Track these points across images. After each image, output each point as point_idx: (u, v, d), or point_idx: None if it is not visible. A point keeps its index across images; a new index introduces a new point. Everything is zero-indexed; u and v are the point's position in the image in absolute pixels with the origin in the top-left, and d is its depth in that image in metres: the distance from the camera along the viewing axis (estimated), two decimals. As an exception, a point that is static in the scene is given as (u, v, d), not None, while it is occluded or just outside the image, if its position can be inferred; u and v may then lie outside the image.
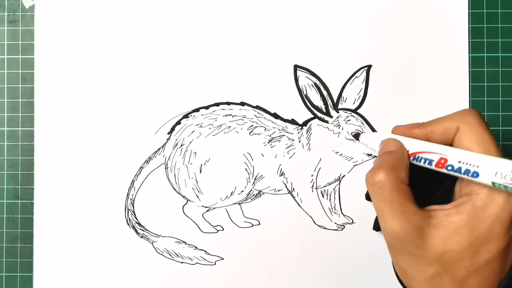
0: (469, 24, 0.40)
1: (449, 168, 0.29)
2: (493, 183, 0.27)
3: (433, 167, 0.30)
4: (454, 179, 0.31)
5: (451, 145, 0.31)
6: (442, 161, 0.30)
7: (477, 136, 0.29)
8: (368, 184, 0.31)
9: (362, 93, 0.39)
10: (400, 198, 0.29)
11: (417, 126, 0.32)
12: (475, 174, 0.28)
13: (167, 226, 0.40)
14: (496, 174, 0.27)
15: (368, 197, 0.37)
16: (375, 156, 0.39)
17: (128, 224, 0.40)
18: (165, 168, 0.40)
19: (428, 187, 0.33)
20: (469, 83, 0.40)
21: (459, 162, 0.29)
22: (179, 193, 0.40)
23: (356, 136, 0.39)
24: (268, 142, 0.40)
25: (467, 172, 0.28)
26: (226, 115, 0.40)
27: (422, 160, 0.31)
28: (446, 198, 0.31)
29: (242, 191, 0.40)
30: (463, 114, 0.30)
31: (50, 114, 0.40)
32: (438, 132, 0.31)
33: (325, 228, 0.40)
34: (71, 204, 0.40)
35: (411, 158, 0.32)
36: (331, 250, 0.39)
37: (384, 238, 0.30)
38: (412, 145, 0.32)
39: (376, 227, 0.38)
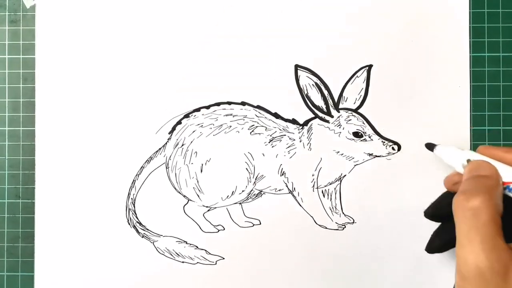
0: (470, 23, 0.40)
1: None
2: None
3: None
4: None
5: None
6: None
7: None
8: (459, 208, 0.28)
9: (363, 93, 0.39)
10: (494, 231, 0.27)
11: (510, 151, 0.30)
12: None
13: (168, 226, 0.40)
14: None
15: (431, 215, 0.34)
16: (376, 156, 0.39)
17: (129, 224, 0.40)
18: (166, 168, 0.40)
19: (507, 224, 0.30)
20: (470, 82, 0.40)
21: None
22: (180, 193, 0.40)
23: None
24: (269, 142, 0.40)
25: None
26: (227, 115, 0.40)
27: None
28: None
29: (243, 191, 0.40)
30: None
31: (51, 114, 0.40)
32: None
33: (326, 228, 0.40)
34: (72, 204, 0.40)
35: (504, 187, 0.29)
36: (331, 249, 0.39)
37: (461, 269, 0.27)
38: (506, 172, 0.29)
39: (432, 248, 0.34)
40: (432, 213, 0.35)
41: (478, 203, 0.27)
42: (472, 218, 0.27)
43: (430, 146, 0.35)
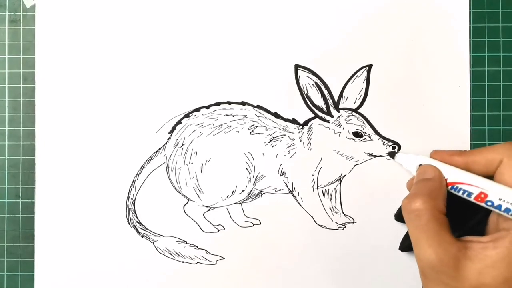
0: (470, 23, 0.40)
1: (489, 203, 0.29)
2: None
3: (471, 199, 0.30)
4: (489, 210, 0.31)
5: (492, 177, 0.30)
6: (482, 195, 0.29)
7: None
8: (404, 211, 0.30)
9: (363, 93, 0.39)
10: (437, 227, 0.29)
11: (458, 154, 0.32)
12: None
13: (168, 226, 0.40)
14: None
15: (398, 218, 0.37)
16: (376, 156, 0.39)
17: (129, 224, 0.40)
18: (166, 168, 0.40)
19: (462, 215, 0.32)
20: (470, 82, 0.40)
21: (500, 199, 0.29)
22: (180, 193, 0.40)
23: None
24: (269, 142, 0.40)
25: (507, 210, 0.28)
26: (227, 115, 0.40)
27: (461, 191, 0.31)
28: (480, 228, 0.31)
29: (243, 191, 0.40)
30: (508, 146, 0.30)
31: (51, 114, 0.40)
32: (480, 162, 0.31)
33: (326, 228, 0.40)
34: (72, 204, 0.40)
35: (449, 187, 0.31)
36: (332, 249, 0.39)
37: (418, 266, 0.30)
38: (451, 174, 0.31)
39: (403, 247, 0.38)
40: (399, 214, 0.37)
41: (418, 205, 0.30)
42: (415, 219, 0.30)
43: (392, 154, 0.38)
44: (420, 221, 0.29)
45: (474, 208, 0.31)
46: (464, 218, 0.33)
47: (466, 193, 0.30)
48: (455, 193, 0.31)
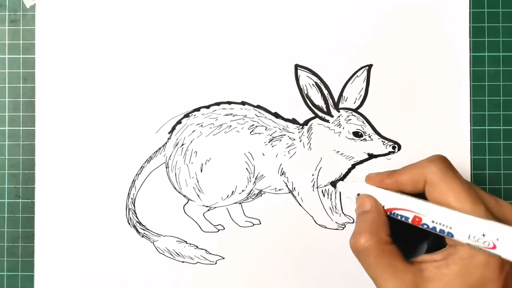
0: (470, 23, 0.40)
1: (425, 226, 0.29)
2: (469, 244, 0.27)
3: (410, 222, 0.30)
4: None
5: (424, 194, 0.30)
6: (417, 219, 0.29)
7: (445, 187, 0.29)
8: (353, 251, 0.31)
9: (363, 93, 0.39)
10: (387, 260, 0.29)
11: (387, 176, 0.32)
12: (450, 235, 0.28)
13: (168, 226, 0.40)
14: (469, 237, 0.27)
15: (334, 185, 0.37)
16: (376, 156, 0.39)
17: (129, 224, 0.40)
18: (166, 168, 0.40)
19: (418, 233, 0.32)
20: (470, 82, 0.40)
21: (433, 222, 0.29)
22: (180, 193, 0.40)
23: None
24: (269, 142, 0.40)
25: (442, 231, 0.28)
26: (227, 115, 0.40)
27: (399, 216, 0.30)
28: (440, 242, 0.31)
29: (243, 191, 0.40)
30: (427, 164, 0.30)
31: (51, 114, 0.40)
32: (407, 183, 0.31)
33: (326, 228, 0.40)
34: (72, 204, 0.40)
35: (388, 213, 0.31)
36: (332, 249, 0.39)
37: None
38: (387, 200, 0.31)
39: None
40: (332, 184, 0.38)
41: (363, 243, 0.30)
42: (365, 258, 0.30)
43: (333, 184, 0.38)
44: (369, 259, 0.29)
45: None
46: (420, 235, 0.33)
47: (403, 218, 0.30)
48: (395, 217, 0.31)
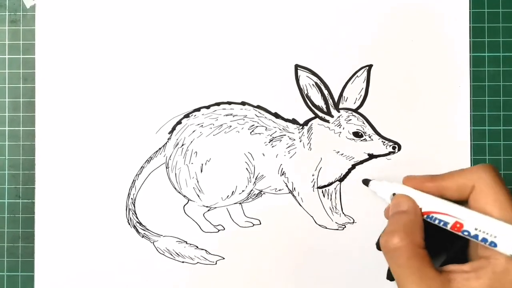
0: (470, 23, 0.40)
1: (466, 233, 0.28)
2: None
3: (448, 228, 0.29)
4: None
5: (466, 201, 0.29)
6: (458, 225, 0.29)
7: (493, 196, 0.28)
8: (383, 249, 0.30)
9: (363, 93, 0.39)
10: (418, 263, 0.28)
11: (430, 180, 0.31)
12: (492, 244, 0.27)
13: (168, 226, 0.40)
14: None
15: (379, 247, 0.35)
16: (376, 156, 0.39)
17: (129, 224, 0.40)
18: (166, 168, 0.40)
19: (443, 242, 0.31)
20: (470, 82, 0.40)
21: (476, 229, 0.28)
22: (180, 193, 0.40)
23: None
24: (269, 142, 0.40)
25: (484, 240, 0.27)
26: (227, 115, 0.40)
27: (437, 221, 0.30)
28: (462, 254, 0.30)
29: (243, 191, 0.40)
30: (478, 171, 0.29)
31: (51, 114, 0.40)
32: (452, 188, 0.30)
33: (326, 228, 0.40)
34: (72, 204, 0.40)
35: (425, 216, 0.30)
36: (332, 249, 0.39)
37: None
38: (426, 202, 0.30)
39: (390, 277, 0.36)
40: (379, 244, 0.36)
41: (396, 243, 0.29)
42: (395, 258, 0.29)
43: (366, 182, 0.36)
44: (400, 259, 0.29)
45: (454, 234, 0.30)
46: (445, 244, 0.32)
47: (442, 223, 0.29)
48: (432, 222, 0.30)
